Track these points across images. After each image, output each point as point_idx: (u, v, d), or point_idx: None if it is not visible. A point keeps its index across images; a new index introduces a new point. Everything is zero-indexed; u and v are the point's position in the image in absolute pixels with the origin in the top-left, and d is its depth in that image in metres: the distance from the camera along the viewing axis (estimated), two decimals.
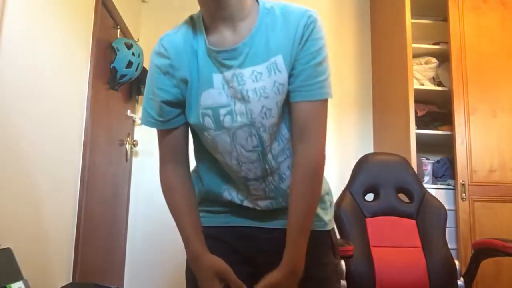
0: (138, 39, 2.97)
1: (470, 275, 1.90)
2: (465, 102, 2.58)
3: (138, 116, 3.11)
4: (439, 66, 2.87)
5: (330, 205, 1.12)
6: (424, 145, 2.80)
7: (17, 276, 1.31)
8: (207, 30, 0.94)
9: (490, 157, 2.53)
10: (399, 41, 2.72)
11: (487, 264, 2.07)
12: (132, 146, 3.00)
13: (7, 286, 1.25)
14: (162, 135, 1.02)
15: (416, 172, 2.26)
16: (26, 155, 1.61)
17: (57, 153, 1.87)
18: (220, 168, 1.03)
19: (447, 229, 2.00)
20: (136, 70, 2.61)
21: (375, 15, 3.29)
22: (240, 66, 0.90)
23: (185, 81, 0.95)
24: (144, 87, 3.33)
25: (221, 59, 0.91)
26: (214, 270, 0.95)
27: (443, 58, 2.80)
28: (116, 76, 2.53)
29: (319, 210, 1.06)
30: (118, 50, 2.52)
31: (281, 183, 1.00)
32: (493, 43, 2.65)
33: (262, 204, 1.03)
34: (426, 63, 2.86)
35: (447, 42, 2.71)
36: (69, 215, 2.02)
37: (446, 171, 2.78)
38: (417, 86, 2.74)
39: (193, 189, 1.06)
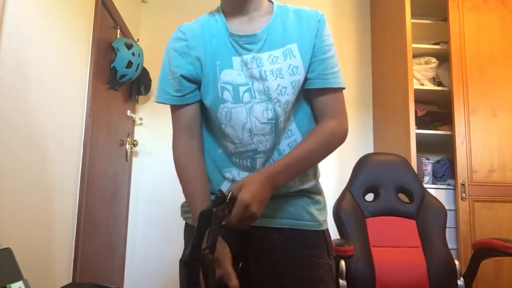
0: (138, 39, 2.97)
1: (470, 275, 1.90)
2: (465, 102, 2.58)
3: (138, 116, 3.11)
4: (439, 66, 2.87)
5: (324, 206, 1.12)
6: (424, 145, 2.81)
7: (17, 276, 1.32)
8: (227, 20, 1.05)
9: (490, 157, 2.53)
10: (399, 41, 2.72)
11: (487, 264, 2.07)
12: (132, 146, 3.00)
13: (7, 286, 1.25)
14: (177, 111, 1.08)
15: (416, 172, 2.26)
16: (26, 155, 1.61)
17: (57, 153, 1.87)
18: (223, 150, 1.06)
19: (447, 229, 2.00)
20: (136, 70, 2.61)
21: (375, 15, 3.29)
22: (259, 50, 1.01)
23: (199, 60, 1.03)
24: (144, 87, 3.34)
25: (243, 43, 1.02)
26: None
27: (443, 58, 2.80)
28: (116, 76, 2.53)
29: (313, 211, 1.07)
30: (118, 50, 2.52)
31: (279, 157, 1.03)
32: (493, 43, 2.65)
33: None
34: (426, 63, 2.86)
35: (447, 42, 2.71)
36: (69, 215, 2.02)
37: (446, 171, 2.78)
38: (417, 86, 2.74)
39: (204, 162, 1.08)
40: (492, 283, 2.38)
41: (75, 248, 2.04)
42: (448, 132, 2.65)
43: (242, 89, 1.01)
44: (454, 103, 2.58)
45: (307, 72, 1.02)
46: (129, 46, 2.55)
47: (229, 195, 0.86)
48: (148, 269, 2.99)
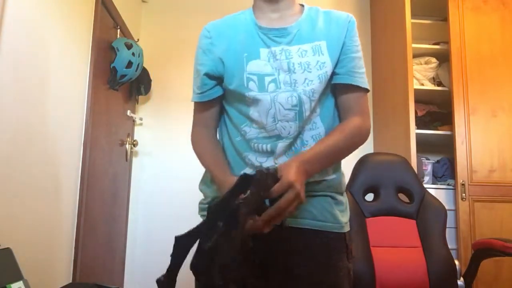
0: (138, 39, 2.96)
1: (470, 275, 1.90)
2: (465, 102, 2.58)
3: (138, 116, 3.11)
4: (439, 66, 2.87)
5: (346, 207, 1.10)
6: (424, 145, 2.81)
7: (17, 276, 1.32)
8: (256, 17, 1.09)
9: (490, 157, 2.53)
10: (399, 41, 2.72)
11: (487, 264, 2.07)
12: (132, 146, 3.00)
13: (7, 286, 1.25)
14: (197, 107, 1.15)
15: (416, 172, 2.26)
16: (26, 155, 1.61)
17: (57, 153, 1.87)
18: (241, 137, 1.07)
19: (447, 229, 2.00)
20: (136, 70, 2.61)
21: (375, 15, 3.29)
22: (289, 43, 1.04)
23: (220, 58, 1.06)
24: (144, 87, 3.35)
25: (272, 35, 1.05)
26: None
27: (443, 58, 2.80)
28: (116, 76, 2.53)
29: (336, 212, 1.05)
30: (118, 50, 2.52)
31: (302, 147, 1.03)
32: (493, 43, 2.65)
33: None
34: (426, 63, 2.86)
35: (447, 42, 2.71)
36: (69, 215, 2.02)
37: (446, 171, 2.78)
38: (417, 86, 2.74)
39: (220, 145, 1.13)
40: (492, 283, 2.38)
41: (75, 248, 2.04)
42: (448, 132, 2.65)
43: (267, 79, 1.03)
44: (454, 103, 2.58)
45: (335, 67, 1.05)
46: (129, 46, 2.55)
47: (265, 174, 0.80)
48: (148, 269, 2.99)
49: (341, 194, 1.10)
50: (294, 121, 1.02)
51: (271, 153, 1.03)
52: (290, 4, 1.10)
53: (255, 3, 1.13)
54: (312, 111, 1.03)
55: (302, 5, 1.14)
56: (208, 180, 1.12)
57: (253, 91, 1.03)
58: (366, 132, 1.07)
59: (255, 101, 1.03)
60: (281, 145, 1.02)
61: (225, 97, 1.11)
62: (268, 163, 1.03)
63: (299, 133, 1.03)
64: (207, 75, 1.08)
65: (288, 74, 1.02)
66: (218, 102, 1.12)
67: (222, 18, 1.13)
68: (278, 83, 1.02)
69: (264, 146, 1.03)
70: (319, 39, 1.05)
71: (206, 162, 1.10)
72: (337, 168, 1.10)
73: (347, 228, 1.07)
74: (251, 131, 1.05)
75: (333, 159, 1.02)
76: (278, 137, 1.02)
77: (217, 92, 1.10)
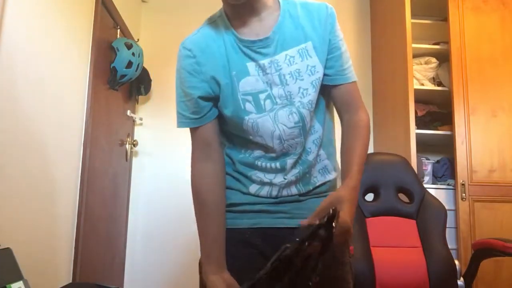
0: (138, 39, 2.96)
1: (470, 275, 1.90)
2: (465, 102, 2.57)
3: (138, 116, 3.11)
4: (439, 66, 2.87)
5: None
6: (424, 145, 2.81)
7: (17, 276, 1.32)
8: (233, 26, 1.01)
9: (490, 157, 2.53)
10: (399, 41, 2.72)
11: (487, 264, 2.07)
12: (132, 146, 3.00)
13: (7, 286, 1.25)
14: (195, 131, 1.05)
15: (416, 172, 2.26)
16: (26, 155, 1.61)
17: (57, 153, 1.87)
18: (245, 155, 1.05)
19: (447, 229, 2.00)
20: (136, 70, 2.61)
21: (375, 15, 3.29)
22: (274, 53, 0.99)
23: (213, 75, 1.00)
24: (144, 87, 3.34)
25: (256, 48, 0.99)
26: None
27: (443, 58, 2.80)
28: (116, 76, 2.53)
29: None
30: (118, 50, 2.52)
31: (307, 156, 1.04)
32: (493, 43, 2.64)
33: (291, 188, 1.03)
34: (426, 63, 2.86)
35: (447, 42, 2.71)
36: (69, 215, 2.02)
37: (446, 171, 2.78)
38: (417, 86, 2.74)
39: (224, 191, 1.07)
40: (492, 283, 2.37)
41: (75, 248, 2.04)
42: (448, 132, 2.65)
43: (262, 96, 1.00)
44: (454, 103, 2.58)
45: (325, 68, 1.03)
46: (129, 46, 2.55)
47: (324, 219, 0.82)
48: (148, 269, 2.99)
49: None
50: (299, 137, 1.02)
51: (281, 170, 1.03)
52: (265, 3, 1.01)
53: (228, 10, 1.03)
54: (311, 118, 1.04)
55: None
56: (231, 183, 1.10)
57: (252, 113, 1.00)
58: (369, 123, 1.09)
59: (255, 126, 1.00)
60: (290, 161, 1.03)
61: (222, 118, 1.06)
62: (277, 179, 1.03)
63: (304, 145, 1.04)
64: (202, 98, 1.01)
65: (281, 87, 0.99)
66: (216, 122, 1.07)
67: (198, 32, 1.04)
68: (273, 98, 1.00)
69: (273, 164, 1.03)
70: (304, 40, 1.01)
71: (203, 233, 1.04)
72: (335, 166, 1.12)
73: None
74: (256, 151, 1.04)
75: (363, 165, 1.03)
76: (286, 154, 1.03)
77: (214, 113, 1.04)
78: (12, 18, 1.49)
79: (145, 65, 2.86)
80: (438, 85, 2.87)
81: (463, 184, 2.49)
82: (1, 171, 1.44)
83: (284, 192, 1.04)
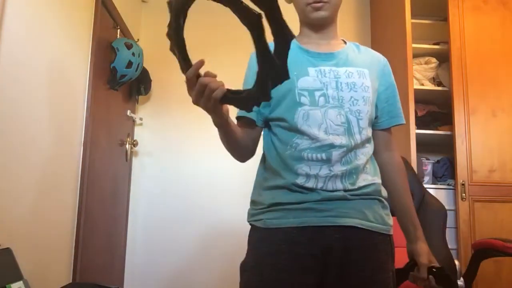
0: (138, 39, 2.96)
1: (470, 275, 1.90)
2: (465, 102, 2.57)
3: (138, 116, 3.11)
4: (439, 66, 2.87)
5: (390, 210, 1.17)
6: (424, 145, 2.80)
7: (17, 276, 1.32)
8: (302, 43, 1.19)
9: (490, 157, 2.53)
10: (399, 41, 2.72)
11: (487, 264, 2.07)
12: (132, 146, 3.00)
13: (7, 286, 1.25)
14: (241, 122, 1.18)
15: (416, 172, 2.26)
16: (26, 155, 1.61)
17: (57, 153, 1.87)
18: (291, 151, 1.10)
19: (447, 229, 1.99)
20: (136, 70, 2.61)
21: (375, 15, 3.29)
22: (336, 65, 1.15)
23: None
24: (144, 87, 3.34)
25: (320, 59, 1.15)
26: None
27: (443, 58, 2.80)
28: (116, 76, 2.53)
29: (384, 215, 1.14)
30: (118, 50, 2.52)
31: (355, 160, 1.10)
32: (493, 43, 2.64)
33: (337, 183, 1.06)
34: (426, 63, 2.86)
35: (447, 42, 2.71)
36: (69, 215, 2.02)
37: (446, 171, 2.78)
38: (417, 86, 2.74)
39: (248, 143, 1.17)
40: (492, 283, 2.37)
41: (75, 248, 2.04)
42: (448, 132, 2.65)
43: (317, 93, 1.10)
44: (454, 103, 2.58)
45: (379, 112, 1.22)
46: (129, 46, 2.55)
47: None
48: (148, 269, 2.99)
49: (385, 198, 1.17)
50: (344, 135, 1.09)
51: (326, 161, 1.07)
52: (335, 34, 1.22)
53: (302, 32, 1.21)
54: (360, 131, 1.12)
55: (343, 40, 1.25)
56: (260, 188, 1.15)
57: (305, 105, 1.09)
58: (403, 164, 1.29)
59: (305, 116, 1.09)
60: (335, 153, 1.07)
61: (269, 122, 1.17)
62: (323, 171, 1.06)
63: (352, 146, 1.09)
64: None
65: (336, 91, 1.11)
66: (258, 133, 1.19)
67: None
68: (327, 97, 1.10)
69: (319, 155, 1.07)
70: (363, 66, 1.17)
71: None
72: (377, 172, 1.18)
73: (392, 231, 1.16)
74: (303, 143, 1.08)
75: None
76: (331, 145, 1.07)
77: (260, 119, 1.16)
78: (12, 18, 1.49)
79: (145, 65, 2.86)
80: (438, 85, 2.87)
81: (463, 184, 2.49)
82: (1, 171, 1.44)
83: (330, 186, 1.06)
